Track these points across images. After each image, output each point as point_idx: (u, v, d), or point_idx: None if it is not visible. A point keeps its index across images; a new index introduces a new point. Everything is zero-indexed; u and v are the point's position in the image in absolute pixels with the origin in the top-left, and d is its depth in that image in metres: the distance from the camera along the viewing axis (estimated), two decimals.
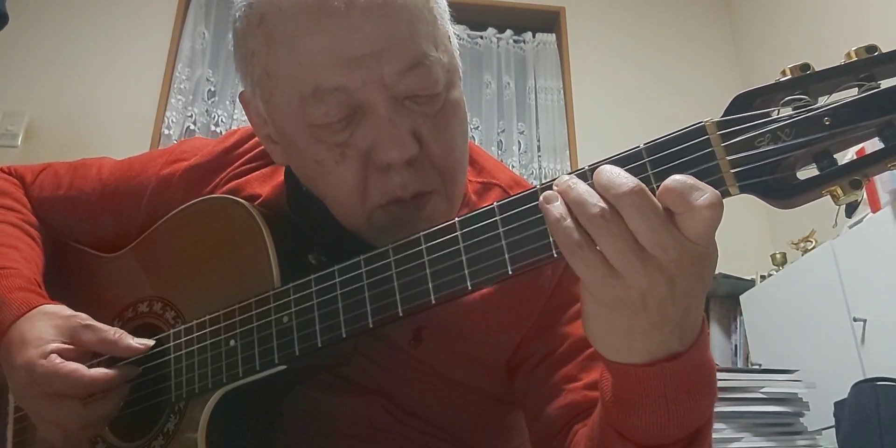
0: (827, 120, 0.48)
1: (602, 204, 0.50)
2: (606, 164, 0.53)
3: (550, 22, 3.79)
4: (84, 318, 0.76)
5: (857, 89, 0.50)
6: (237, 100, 3.50)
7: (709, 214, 0.48)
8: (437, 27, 0.69)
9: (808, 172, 0.50)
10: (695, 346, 0.54)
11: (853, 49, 0.50)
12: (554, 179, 0.54)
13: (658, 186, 0.50)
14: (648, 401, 0.55)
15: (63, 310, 0.77)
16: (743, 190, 0.51)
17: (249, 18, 0.68)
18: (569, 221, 0.50)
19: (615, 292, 0.50)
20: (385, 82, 0.65)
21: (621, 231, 0.49)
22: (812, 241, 2.69)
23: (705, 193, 0.48)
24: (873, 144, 0.50)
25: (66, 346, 0.74)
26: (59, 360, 0.72)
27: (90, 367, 0.74)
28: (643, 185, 0.49)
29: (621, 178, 0.50)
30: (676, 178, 0.49)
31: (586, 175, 0.54)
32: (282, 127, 0.71)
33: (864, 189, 0.47)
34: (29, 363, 0.72)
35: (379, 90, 0.65)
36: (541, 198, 0.53)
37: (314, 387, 0.77)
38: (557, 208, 0.51)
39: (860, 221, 2.30)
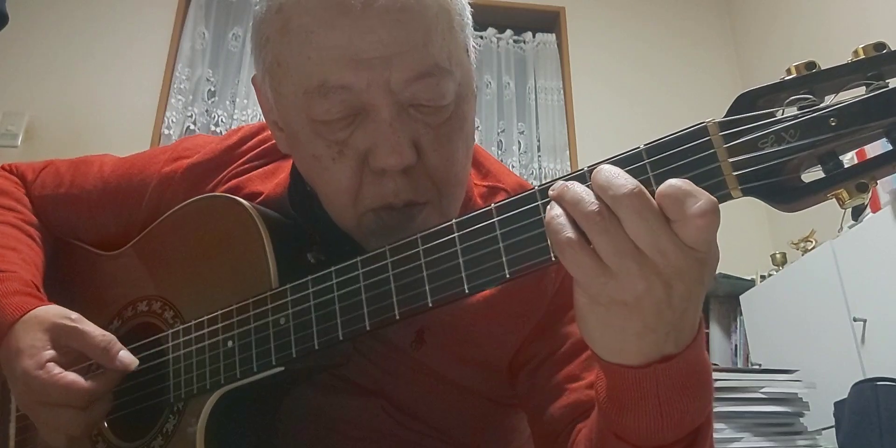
0: (833, 120, 0.47)
1: (598, 202, 0.49)
2: (606, 164, 0.52)
3: (550, 22, 3.79)
4: (75, 319, 0.75)
5: (864, 88, 0.48)
6: (237, 100, 3.52)
7: (702, 223, 0.47)
8: (455, 40, 0.69)
9: (812, 175, 0.49)
10: (690, 347, 0.53)
11: (861, 46, 0.49)
12: (553, 181, 0.54)
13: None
14: (642, 403, 0.54)
15: (54, 312, 0.77)
16: (746, 193, 0.49)
17: (269, 4, 0.68)
18: (562, 219, 0.50)
19: (609, 292, 0.49)
20: (391, 87, 0.64)
21: (617, 231, 0.48)
22: (812, 241, 2.68)
23: (699, 201, 0.47)
24: (874, 147, 0.49)
25: (60, 351, 0.73)
26: (56, 369, 0.71)
27: (90, 370, 0.74)
28: (642, 187, 0.48)
29: (620, 179, 0.49)
30: (672, 183, 0.48)
31: (585, 176, 0.52)
32: (286, 116, 0.71)
33: (870, 192, 0.46)
34: (25, 373, 0.72)
35: (384, 94, 0.64)
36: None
37: (313, 387, 0.76)
38: (554, 208, 0.51)
39: (860, 221, 2.29)
